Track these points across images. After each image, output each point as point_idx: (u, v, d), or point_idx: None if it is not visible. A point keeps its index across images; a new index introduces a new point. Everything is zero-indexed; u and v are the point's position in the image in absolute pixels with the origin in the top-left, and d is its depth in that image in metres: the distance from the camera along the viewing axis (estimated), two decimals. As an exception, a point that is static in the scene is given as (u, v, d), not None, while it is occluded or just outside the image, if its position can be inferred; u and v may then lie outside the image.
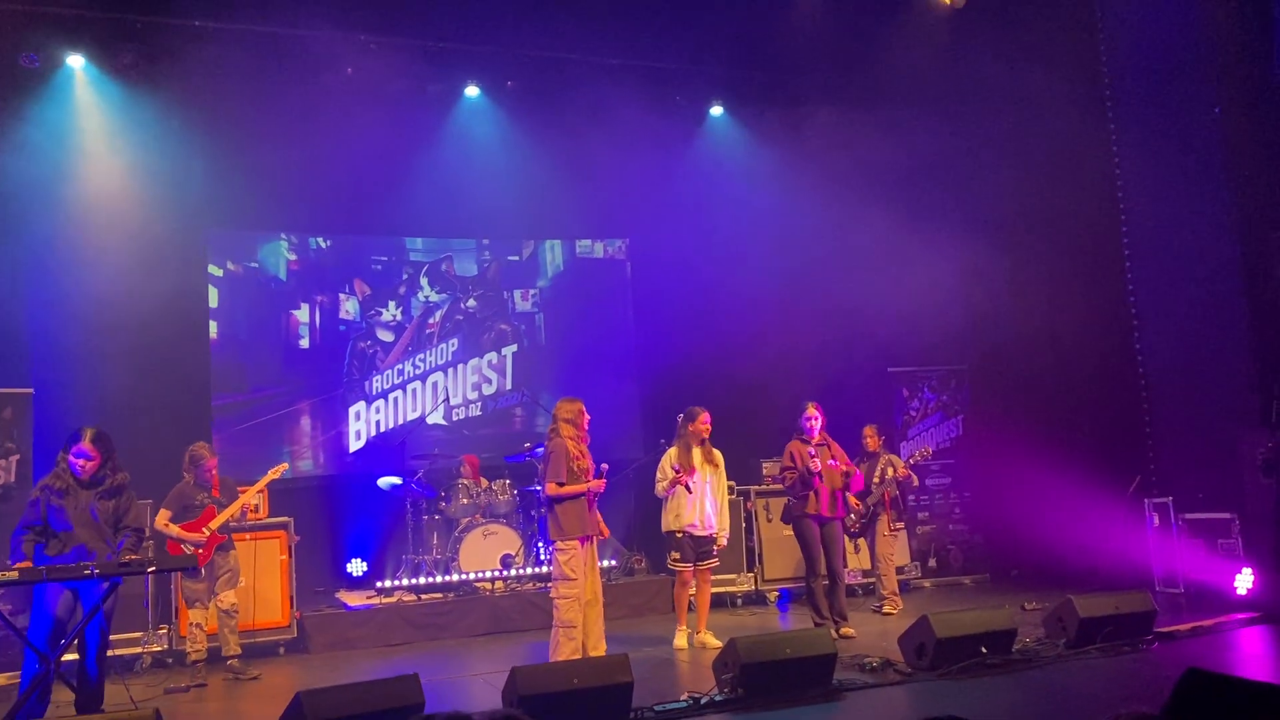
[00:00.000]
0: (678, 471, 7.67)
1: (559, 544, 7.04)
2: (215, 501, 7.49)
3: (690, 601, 7.95)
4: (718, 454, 7.92)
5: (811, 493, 7.92)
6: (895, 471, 9.08)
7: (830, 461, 8.02)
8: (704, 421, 7.81)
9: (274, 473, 7.94)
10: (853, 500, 8.69)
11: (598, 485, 7.06)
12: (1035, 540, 9.81)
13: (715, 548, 7.82)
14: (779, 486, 10.03)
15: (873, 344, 10.84)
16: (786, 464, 8.10)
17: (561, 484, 7.01)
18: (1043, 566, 9.82)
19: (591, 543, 7.20)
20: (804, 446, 8.02)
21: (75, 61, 9.26)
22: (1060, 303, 9.84)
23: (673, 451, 7.86)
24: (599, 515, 7.30)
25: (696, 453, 7.80)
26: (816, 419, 8.05)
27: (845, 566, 8.41)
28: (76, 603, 6.00)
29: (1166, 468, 9.29)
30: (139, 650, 8.02)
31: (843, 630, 7.76)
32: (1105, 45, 9.75)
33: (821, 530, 7.98)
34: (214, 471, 7.57)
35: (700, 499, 7.70)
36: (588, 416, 7.35)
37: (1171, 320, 9.10)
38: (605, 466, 7.23)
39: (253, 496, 7.75)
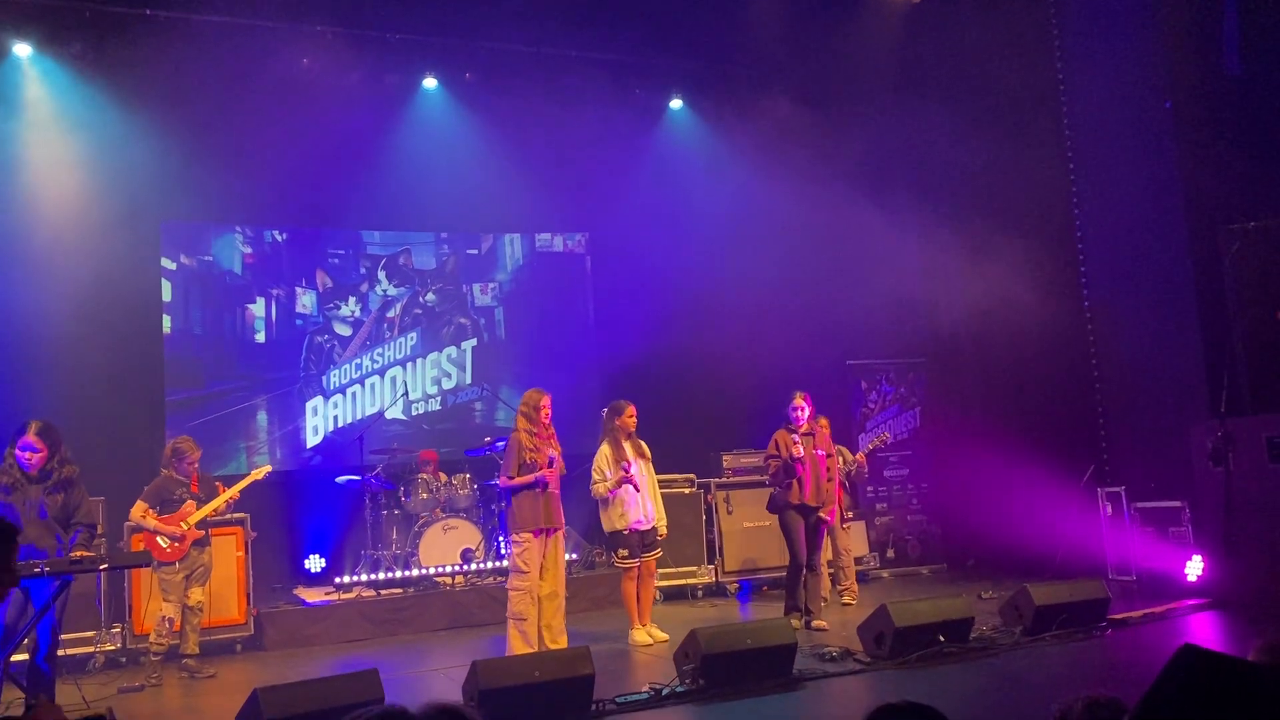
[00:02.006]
0: (626, 469, 7.54)
1: (514, 536, 7.05)
2: (194, 497, 7.39)
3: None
4: (645, 446, 7.84)
5: (795, 481, 7.87)
6: (846, 462, 9.12)
7: (816, 451, 8.00)
8: (631, 414, 7.70)
9: (257, 473, 7.85)
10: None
11: (541, 475, 7.02)
12: (991, 530, 9.94)
13: (658, 539, 7.77)
14: (739, 479, 10.12)
15: (831, 336, 10.92)
16: (770, 452, 8.04)
17: (511, 477, 7.00)
18: (999, 556, 9.94)
19: (551, 536, 7.16)
20: (788, 435, 8.01)
21: (22, 50, 9.07)
22: (1015, 295, 9.96)
23: (606, 449, 7.66)
24: (560, 513, 7.26)
25: (627, 447, 7.69)
26: (803, 409, 8.01)
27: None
28: (27, 601, 5.88)
29: (1119, 457, 9.46)
30: (91, 649, 7.87)
31: (815, 623, 7.76)
32: (1059, 40, 9.87)
33: (806, 520, 7.93)
34: (196, 466, 7.47)
35: (640, 494, 7.61)
36: (547, 409, 7.31)
37: (1124, 312, 9.26)
38: (553, 455, 7.19)
39: (234, 496, 7.62)
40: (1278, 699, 1.35)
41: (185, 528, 7.28)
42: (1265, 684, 1.38)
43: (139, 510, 7.26)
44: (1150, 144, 8.92)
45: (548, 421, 7.34)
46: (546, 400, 7.35)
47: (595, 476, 7.64)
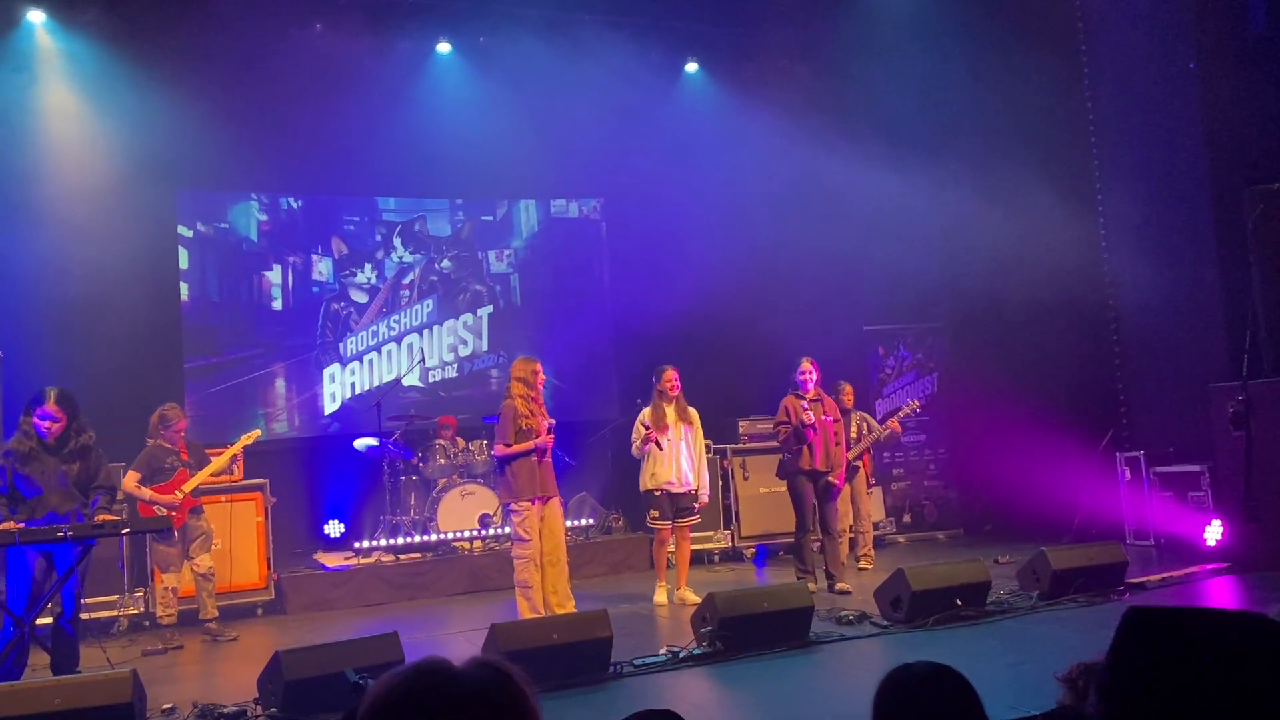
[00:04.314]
0: (647, 429, 7.67)
1: (512, 505, 7.09)
2: (185, 465, 7.41)
3: (669, 559, 7.99)
4: (693, 411, 7.89)
5: (805, 447, 7.88)
6: (870, 429, 9.13)
7: (825, 417, 8.00)
8: (667, 379, 7.79)
9: (247, 438, 7.86)
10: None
11: (542, 441, 7.04)
12: (1009, 495, 9.91)
13: (695, 505, 7.82)
14: (755, 445, 10.12)
15: (849, 302, 10.84)
16: (780, 419, 8.05)
17: (508, 445, 7.02)
18: (1016, 521, 9.93)
19: (546, 503, 7.15)
20: (798, 401, 8.00)
21: (36, 17, 9.04)
22: (1034, 259, 9.86)
23: (645, 411, 7.85)
24: (553, 480, 7.27)
25: (670, 410, 7.77)
26: (810, 373, 8.00)
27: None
28: (51, 565, 5.95)
29: (1138, 421, 9.40)
30: (115, 613, 7.98)
31: (838, 586, 7.79)
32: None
33: (815, 486, 7.95)
34: (183, 433, 7.49)
35: (675, 456, 7.68)
36: (542, 376, 7.32)
37: (1144, 274, 9.15)
38: (553, 422, 7.20)
39: (225, 462, 7.68)
40: (1228, 645, 1.33)
41: (180, 496, 7.30)
42: (1219, 632, 1.37)
43: (131, 481, 7.20)
44: (1174, 105, 8.79)
45: (541, 389, 7.36)
46: (540, 367, 7.37)
47: (632, 435, 7.83)
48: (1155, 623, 1.39)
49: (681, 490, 7.70)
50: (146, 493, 7.22)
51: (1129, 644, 1.39)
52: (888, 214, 10.18)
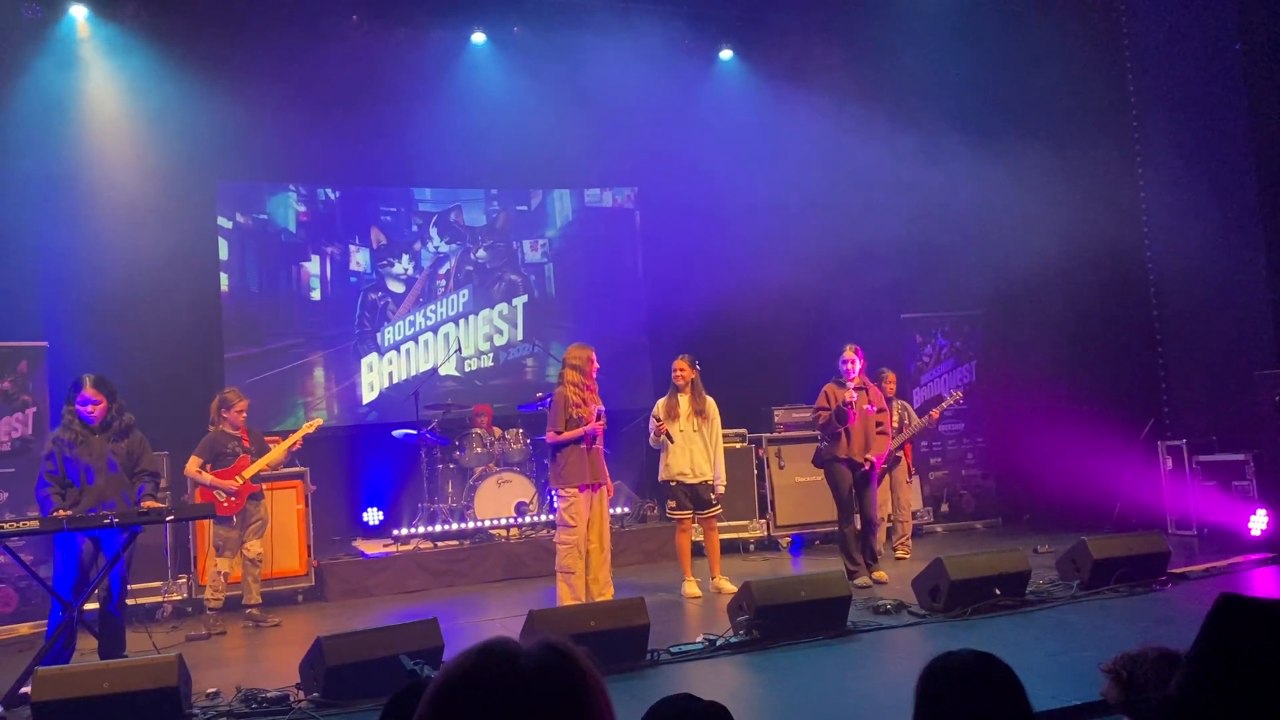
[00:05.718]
0: (659, 421, 7.72)
1: (560, 491, 7.13)
2: (246, 451, 7.54)
3: (699, 548, 7.99)
4: (710, 403, 7.83)
5: (843, 433, 7.77)
6: (912, 419, 9.09)
7: (867, 406, 7.88)
8: (675, 368, 7.82)
9: (309, 427, 7.99)
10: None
11: (591, 428, 7.08)
12: (1048, 484, 9.82)
13: (713, 495, 7.74)
14: (791, 434, 10.09)
15: (886, 290, 10.74)
16: (819, 405, 7.94)
17: (558, 432, 7.07)
18: (1055, 510, 9.83)
19: (596, 491, 7.19)
20: (839, 389, 7.89)
21: (78, 12, 9.15)
22: (1074, 246, 9.75)
23: (661, 402, 7.87)
24: (604, 468, 7.30)
25: (684, 401, 7.74)
26: (853, 362, 7.89)
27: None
28: (98, 551, 6.07)
29: (1180, 409, 9.27)
30: (159, 599, 8.12)
31: (875, 574, 7.75)
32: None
33: (854, 475, 7.86)
34: (244, 414, 7.61)
35: (687, 447, 7.65)
36: (596, 365, 7.34)
37: (1187, 260, 9.02)
38: (601, 409, 7.23)
39: (284, 451, 7.77)
40: None
41: (240, 482, 7.42)
42: None
43: (193, 466, 7.40)
44: (1217, 86, 8.63)
45: (595, 376, 7.38)
46: (594, 355, 7.39)
47: (649, 427, 7.87)
48: (1249, 611, 1.38)
49: (696, 481, 7.67)
50: (207, 477, 7.37)
51: (1221, 630, 1.38)
52: (924, 200, 10.08)
